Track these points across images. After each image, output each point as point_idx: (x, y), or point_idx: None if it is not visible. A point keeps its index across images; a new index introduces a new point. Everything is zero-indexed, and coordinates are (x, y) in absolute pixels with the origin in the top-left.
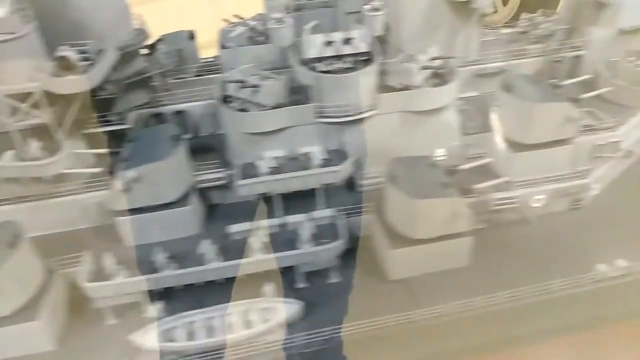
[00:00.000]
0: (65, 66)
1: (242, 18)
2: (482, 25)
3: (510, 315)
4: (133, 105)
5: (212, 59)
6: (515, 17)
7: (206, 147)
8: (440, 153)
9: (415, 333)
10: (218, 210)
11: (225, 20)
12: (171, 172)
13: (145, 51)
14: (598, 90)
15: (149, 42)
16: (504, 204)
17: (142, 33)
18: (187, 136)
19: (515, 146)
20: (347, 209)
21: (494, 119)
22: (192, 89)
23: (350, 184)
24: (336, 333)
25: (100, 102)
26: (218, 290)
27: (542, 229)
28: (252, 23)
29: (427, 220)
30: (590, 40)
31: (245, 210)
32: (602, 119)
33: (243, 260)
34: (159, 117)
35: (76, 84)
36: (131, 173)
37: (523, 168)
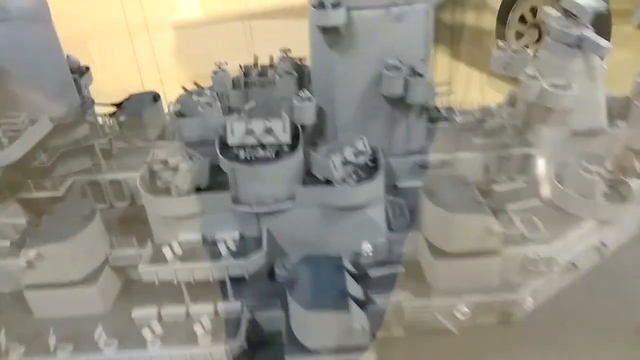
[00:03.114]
0: None
1: (200, 86)
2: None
3: None
4: (71, 172)
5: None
6: None
7: (137, 219)
8: (365, 249)
9: None
10: (134, 288)
11: (183, 87)
12: (74, 252)
13: (112, 109)
14: (527, 202)
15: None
16: (420, 312)
17: (84, 103)
18: (124, 204)
19: (438, 252)
20: (260, 302)
21: (420, 220)
22: (138, 157)
23: (271, 274)
24: None
25: (37, 169)
26: None
27: (465, 343)
28: (208, 93)
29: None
30: (541, 139)
31: (162, 291)
32: (538, 229)
33: (133, 351)
34: (96, 186)
35: None
36: (32, 252)
37: (446, 276)
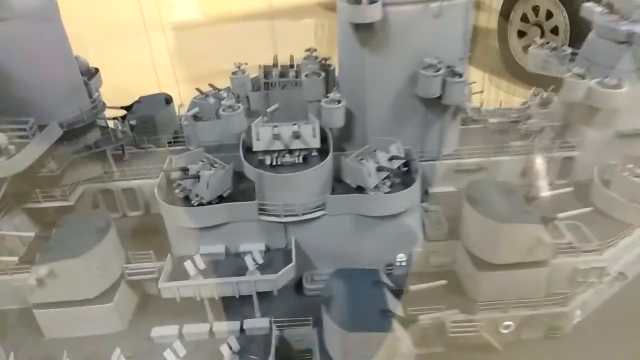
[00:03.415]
0: None
1: (216, 88)
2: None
3: None
4: (81, 179)
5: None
6: None
7: (153, 228)
8: (400, 259)
9: None
10: (152, 304)
11: (197, 89)
12: (88, 268)
13: (122, 112)
14: (579, 210)
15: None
16: (463, 328)
17: (95, 107)
18: (138, 213)
19: (481, 264)
20: (289, 317)
21: (460, 230)
22: (152, 162)
23: (298, 287)
24: None
25: (46, 177)
26: None
27: (509, 359)
28: (224, 94)
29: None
30: (584, 141)
31: (182, 308)
32: (588, 238)
33: None
34: (109, 194)
35: None
36: (43, 270)
37: (489, 288)
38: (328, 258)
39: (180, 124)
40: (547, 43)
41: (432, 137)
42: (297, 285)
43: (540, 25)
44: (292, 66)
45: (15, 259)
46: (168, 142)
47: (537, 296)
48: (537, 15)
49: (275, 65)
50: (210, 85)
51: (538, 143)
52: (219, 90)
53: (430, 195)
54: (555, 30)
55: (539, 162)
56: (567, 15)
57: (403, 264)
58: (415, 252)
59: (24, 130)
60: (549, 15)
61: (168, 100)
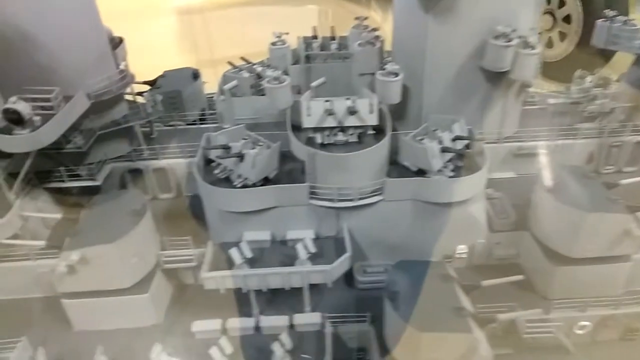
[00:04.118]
0: (14, 120)
1: (248, 62)
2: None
3: None
4: (108, 157)
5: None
6: (572, 58)
7: (187, 212)
8: (460, 250)
9: None
10: (188, 295)
11: (229, 63)
12: (123, 256)
13: (145, 88)
14: None
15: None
16: (538, 328)
17: (124, 77)
18: (169, 195)
19: (556, 258)
20: (341, 312)
21: (531, 220)
22: (181, 140)
23: (348, 279)
24: None
25: (72, 154)
26: None
27: None
28: (259, 68)
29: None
30: None
31: (222, 300)
32: None
33: None
34: (137, 173)
35: (23, 142)
36: (74, 255)
37: (565, 285)
38: (381, 248)
39: (210, 100)
40: (617, 15)
41: (493, 116)
42: (346, 278)
43: (552, 13)
44: (333, 38)
45: (42, 243)
46: (194, 121)
47: (615, 294)
48: (548, 2)
49: (315, 37)
50: (243, 58)
51: (607, 125)
52: (253, 63)
53: (490, 181)
54: (567, 19)
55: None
56: (580, 4)
57: (463, 256)
58: (478, 244)
59: (48, 100)
60: (562, 3)
61: (196, 74)
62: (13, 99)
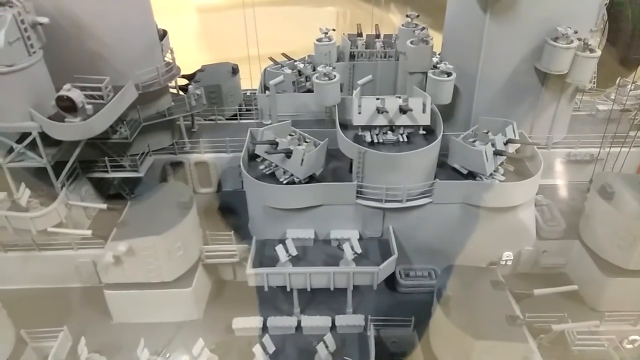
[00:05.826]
0: (67, 107)
1: (290, 58)
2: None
3: None
4: (151, 149)
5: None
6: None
7: (227, 207)
8: (506, 257)
9: None
10: (226, 291)
11: (271, 59)
12: (169, 249)
13: (184, 82)
14: None
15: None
16: (589, 341)
17: (171, 69)
18: (209, 190)
19: (610, 269)
20: (381, 316)
21: (583, 228)
22: (222, 135)
23: (389, 282)
24: None
25: (116, 144)
26: None
27: None
28: (301, 65)
29: None
30: None
31: (264, 298)
32: None
33: None
34: (178, 166)
35: (75, 130)
36: (122, 246)
37: (616, 298)
38: (426, 252)
39: (251, 96)
40: None
41: (544, 121)
42: (386, 281)
43: None
44: (377, 36)
45: (89, 232)
46: (232, 116)
47: None
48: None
49: (360, 34)
50: (284, 54)
51: None
52: (295, 60)
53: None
54: None
55: None
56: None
57: (509, 262)
58: (525, 251)
59: (99, 89)
60: None
61: (235, 69)
62: (67, 86)
